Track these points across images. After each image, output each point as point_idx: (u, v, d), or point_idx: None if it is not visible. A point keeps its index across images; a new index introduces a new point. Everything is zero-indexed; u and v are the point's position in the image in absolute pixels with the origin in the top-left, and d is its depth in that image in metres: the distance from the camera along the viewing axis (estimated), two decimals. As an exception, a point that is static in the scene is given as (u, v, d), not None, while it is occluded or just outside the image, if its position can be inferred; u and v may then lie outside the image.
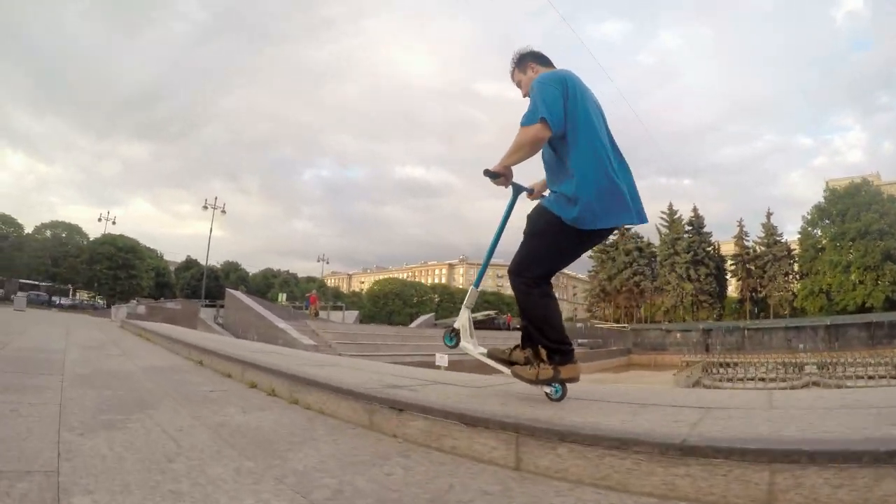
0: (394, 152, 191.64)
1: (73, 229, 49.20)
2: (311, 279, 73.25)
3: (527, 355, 2.12)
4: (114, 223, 48.22)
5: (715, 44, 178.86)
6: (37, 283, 46.49)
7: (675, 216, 55.81)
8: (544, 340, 2.07)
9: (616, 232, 51.08)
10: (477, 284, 2.41)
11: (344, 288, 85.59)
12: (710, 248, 54.56)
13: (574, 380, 2.08)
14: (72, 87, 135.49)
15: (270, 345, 8.96)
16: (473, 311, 2.38)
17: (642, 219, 2.18)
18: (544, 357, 2.06)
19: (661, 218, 55.85)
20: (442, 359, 16.51)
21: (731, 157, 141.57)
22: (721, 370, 20.55)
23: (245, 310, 21.80)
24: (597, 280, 58.24)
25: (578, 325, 42.32)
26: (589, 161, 2.05)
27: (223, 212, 39.85)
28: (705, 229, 55.21)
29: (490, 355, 2.26)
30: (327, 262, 54.83)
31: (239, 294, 27.39)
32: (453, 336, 2.37)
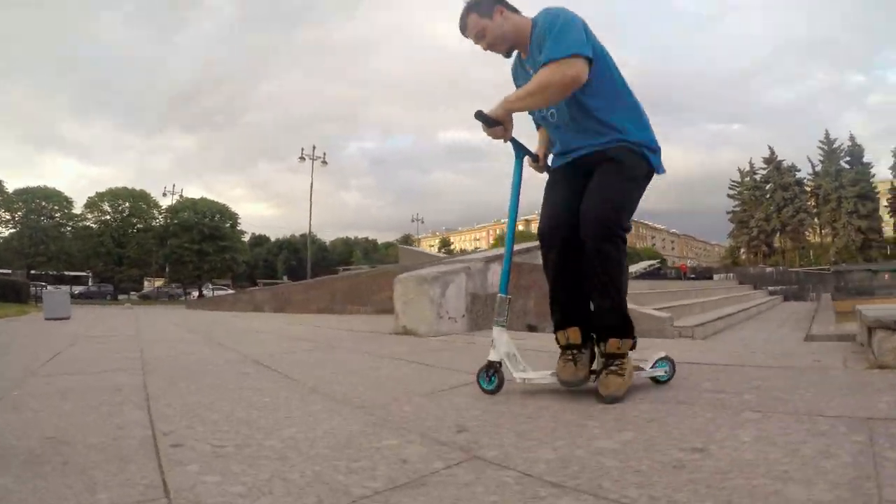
0: (439, 119, 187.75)
1: (139, 197, 38.08)
2: (389, 244, 66.28)
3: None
4: (181, 197, 39.08)
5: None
6: (86, 273, 36.83)
7: (833, 145, 47.63)
8: (622, 303, 1.57)
9: (767, 165, 42.84)
10: (504, 290, 1.65)
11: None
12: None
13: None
14: (116, 93, 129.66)
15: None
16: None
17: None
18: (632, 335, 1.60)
19: (820, 147, 47.69)
20: None
21: (781, 99, 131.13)
22: None
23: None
24: (753, 221, 50.22)
25: (769, 269, 35.63)
26: (636, 106, 1.68)
27: (324, 162, 31.34)
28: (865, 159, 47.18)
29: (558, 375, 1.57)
30: (422, 222, 47.91)
31: (432, 252, 20.07)
32: (493, 376, 1.60)
